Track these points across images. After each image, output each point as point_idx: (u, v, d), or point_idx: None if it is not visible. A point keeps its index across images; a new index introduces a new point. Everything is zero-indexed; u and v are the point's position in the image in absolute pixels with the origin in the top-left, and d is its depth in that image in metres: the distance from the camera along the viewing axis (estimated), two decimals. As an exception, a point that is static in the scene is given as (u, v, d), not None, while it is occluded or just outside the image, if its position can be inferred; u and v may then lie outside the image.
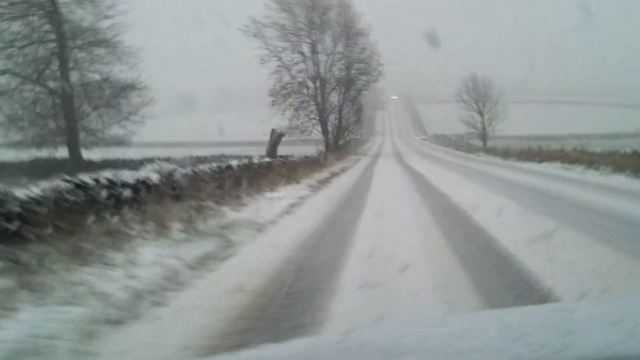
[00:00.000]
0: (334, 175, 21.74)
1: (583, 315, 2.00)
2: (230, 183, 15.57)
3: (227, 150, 47.86)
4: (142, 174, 11.10)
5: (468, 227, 8.11)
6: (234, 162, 18.66)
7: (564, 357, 1.46)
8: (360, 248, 6.72)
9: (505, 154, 32.27)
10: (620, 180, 15.17)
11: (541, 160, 24.19)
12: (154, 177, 11.40)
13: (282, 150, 40.11)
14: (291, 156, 34.69)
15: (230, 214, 10.31)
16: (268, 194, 13.50)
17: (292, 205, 11.39)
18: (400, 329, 1.93)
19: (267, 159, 24.46)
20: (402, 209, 10.59)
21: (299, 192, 14.45)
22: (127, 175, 10.23)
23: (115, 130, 33.44)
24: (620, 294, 4.11)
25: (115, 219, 8.87)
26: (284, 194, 13.74)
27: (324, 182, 18.16)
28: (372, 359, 1.57)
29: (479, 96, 51.70)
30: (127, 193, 9.91)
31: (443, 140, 73.30)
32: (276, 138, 33.38)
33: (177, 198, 11.84)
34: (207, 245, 6.80)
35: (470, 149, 45.33)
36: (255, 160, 21.44)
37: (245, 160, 21.29)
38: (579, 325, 1.83)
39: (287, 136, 45.94)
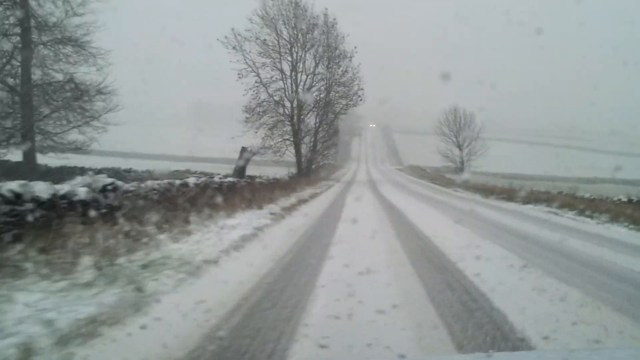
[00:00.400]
0: (302, 202, 19.96)
1: None
2: (181, 204, 13.68)
3: (199, 166, 45.82)
4: (65, 187, 9.17)
5: (464, 291, 6.29)
6: (191, 180, 16.77)
7: None
8: (318, 322, 4.86)
9: (484, 190, 30.85)
10: (622, 232, 13.70)
11: (526, 202, 22.76)
12: (81, 192, 9.47)
13: (252, 170, 38.35)
14: (259, 177, 32.98)
15: (167, 244, 8.45)
16: (222, 221, 11.63)
17: (245, 239, 9.54)
18: None
19: (231, 179, 22.61)
20: (375, 253, 8.83)
21: (258, 220, 12.61)
22: (42, 188, 8.29)
23: (75, 136, 31.13)
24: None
25: (15, 247, 6.97)
26: (240, 222, 11.88)
27: (288, 210, 16.34)
28: None
29: (459, 129, 50.61)
30: (37, 212, 7.98)
31: (418, 172, 72.18)
32: (246, 157, 31.62)
33: (111, 219, 9.92)
34: (106, 297, 4.92)
35: (447, 183, 44.00)
36: (216, 179, 19.57)
37: (204, 179, 19.43)
38: None
39: (259, 156, 44.33)
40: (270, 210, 14.92)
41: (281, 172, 40.20)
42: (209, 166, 43.96)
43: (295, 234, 11.14)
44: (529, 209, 20.29)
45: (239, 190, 20.48)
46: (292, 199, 20.36)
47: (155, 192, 13.53)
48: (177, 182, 15.31)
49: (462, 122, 50.65)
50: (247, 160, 32.07)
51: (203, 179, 19.32)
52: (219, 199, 14.78)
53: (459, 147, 51.22)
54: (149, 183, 13.48)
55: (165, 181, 15.73)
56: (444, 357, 2.94)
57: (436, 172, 71.06)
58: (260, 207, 15.75)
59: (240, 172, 30.76)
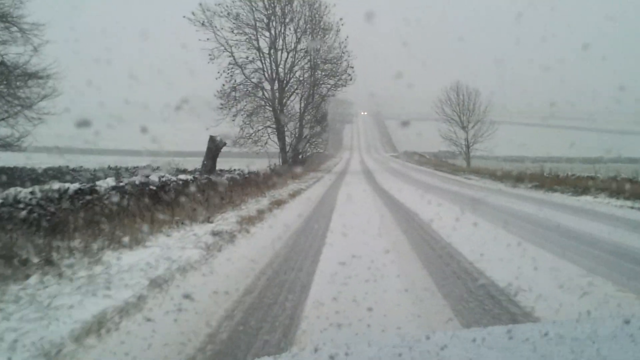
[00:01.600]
0: (276, 205, 14.60)
1: (554, 336, 2.16)
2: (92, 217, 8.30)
3: (168, 162, 40.23)
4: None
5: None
6: (105, 183, 11.30)
7: None
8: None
9: (505, 177, 25.48)
10: None
11: (580, 191, 17.34)
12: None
13: (232, 163, 32.95)
14: (231, 172, 27.55)
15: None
16: (127, 253, 6.26)
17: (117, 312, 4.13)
18: (381, 347, 2.09)
19: (185, 177, 17.10)
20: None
21: (191, 246, 7.22)
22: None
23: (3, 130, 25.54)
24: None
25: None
26: (155, 250, 6.51)
27: (252, 221, 10.98)
28: None
29: (463, 109, 45.15)
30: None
31: (416, 159, 66.89)
32: (215, 148, 26.19)
33: None
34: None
35: (455, 170, 38.66)
36: (154, 179, 14.08)
37: (141, 179, 14.00)
38: (550, 347, 2.00)
39: (238, 147, 38.86)
40: (216, 227, 9.47)
41: (265, 164, 34.84)
42: (179, 161, 38.49)
43: (240, 287, 5.73)
44: (597, 203, 14.79)
45: (193, 192, 15.14)
46: (265, 201, 14.99)
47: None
48: (71, 187, 9.82)
49: (467, 100, 45.22)
50: (216, 152, 26.65)
51: (138, 178, 13.94)
52: (155, 208, 9.47)
53: (464, 128, 45.69)
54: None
55: (76, 185, 10.30)
56: (442, 333, 2.75)
57: (435, 158, 65.82)
58: (207, 220, 10.32)
59: (208, 166, 25.34)
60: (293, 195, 18.31)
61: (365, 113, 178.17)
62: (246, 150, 38.85)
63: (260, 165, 37.24)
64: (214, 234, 8.72)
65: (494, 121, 43.37)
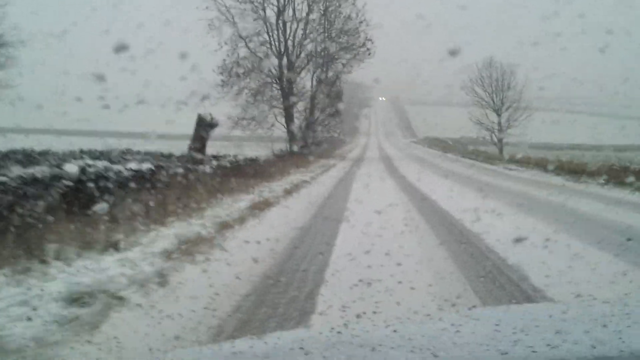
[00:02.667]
0: (259, 208, 10.10)
1: (572, 316, 2.10)
2: None
3: (156, 145, 35.76)
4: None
5: None
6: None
7: (552, 356, 1.56)
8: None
9: (560, 169, 20.67)
10: None
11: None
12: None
13: (234, 148, 28.78)
14: (224, 158, 23.20)
15: None
16: None
17: None
18: (390, 325, 2.01)
19: (139, 167, 12.64)
20: None
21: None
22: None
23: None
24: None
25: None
26: None
27: (225, 228, 6.52)
28: (361, 354, 1.64)
29: (496, 89, 39.93)
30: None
31: (439, 145, 61.99)
32: (203, 129, 21.85)
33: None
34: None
35: (488, 158, 33.79)
36: (72, 169, 9.60)
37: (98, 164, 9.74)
38: (568, 325, 1.92)
39: (241, 130, 34.45)
40: (178, 240, 4.94)
41: (274, 149, 30.53)
42: (169, 145, 34.15)
43: None
44: None
45: (165, 186, 11.03)
46: (242, 204, 10.47)
47: None
48: None
49: (500, 79, 39.93)
50: (206, 134, 22.30)
51: (97, 163, 9.75)
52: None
53: (497, 111, 40.35)
54: None
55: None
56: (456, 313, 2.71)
57: (458, 144, 60.86)
58: (113, 246, 5.82)
59: (199, 150, 20.99)
60: (289, 191, 13.78)
61: (384, 99, 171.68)
62: (249, 133, 34.43)
63: (265, 150, 32.95)
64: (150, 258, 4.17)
65: (528, 106, 38.24)
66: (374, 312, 4.15)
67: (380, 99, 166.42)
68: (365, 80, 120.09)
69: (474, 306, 4.32)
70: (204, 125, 21.87)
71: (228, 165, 19.38)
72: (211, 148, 24.31)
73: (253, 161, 22.82)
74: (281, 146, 34.16)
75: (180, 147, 28.94)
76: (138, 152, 25.67)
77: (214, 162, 18.94)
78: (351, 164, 29.44)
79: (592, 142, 73.52)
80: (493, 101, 39.31)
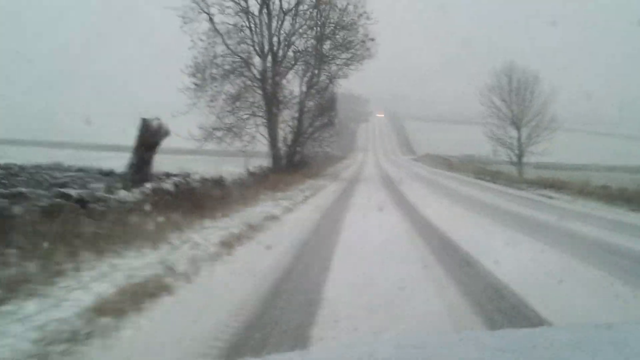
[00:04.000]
0: (153, 294, 4.44)
1: (561, 342, 2.11)
2: None
3: (102, 157, 30.04)
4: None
5: None
6: None
7: None
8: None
9: (620, 199, 15.21)
10: None
11: None
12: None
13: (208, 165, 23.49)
14: (177, 177, 17.84)
15: None
16: None
17: None
18: (377, 347, 2.08)
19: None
20: None
21: None
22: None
23: None
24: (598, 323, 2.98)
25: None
26: None
27: None
28: None
29: (517, 99, 34.12)
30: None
31: (443, 163, 56.63)
32: (148, 139, 16.48)
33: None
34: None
35: (510, 180, 28.34)
36: None
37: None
38: (556, 352, 1.98)
39: (218, 143, 29.03)
40: None
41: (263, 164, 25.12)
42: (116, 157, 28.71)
43: None
44: None
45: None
46: (121, 273, 4.83)
47: None
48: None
49: (523, 88, 33.94)
50: (152, 145, 16.88)
51: None
52: None
53: (516, 124, 34.45)
54: None
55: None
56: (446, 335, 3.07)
57: (464, 163, 55.49)
58: None
59: (141, 168, 15.54)
60: (237, 239, 8.22)
61: (382, 115, 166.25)
62: (228, 146, 28.99)
63: (250, 166, 27.69)
64: None
65: (554, 119, 32.56)
66: None
67: (378, 115, 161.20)
68: (363, 93, 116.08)
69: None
70: (149, 134, 16.44)
71: (171, 189, 13.89)
72: (194, 164, 19.28)
73: (217, 183, 17.31)
74: (263, 162, 28.75)
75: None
76: (69, 168, 20.16)
77: (149, 185, 13.42)
78: (345, 186, 23.92)
79: (609, 163, 68.69)
80: (512, 113, 33.78)
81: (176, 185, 15.08)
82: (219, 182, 17.37)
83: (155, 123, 16.85)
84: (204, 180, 17.01)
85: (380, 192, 20.94)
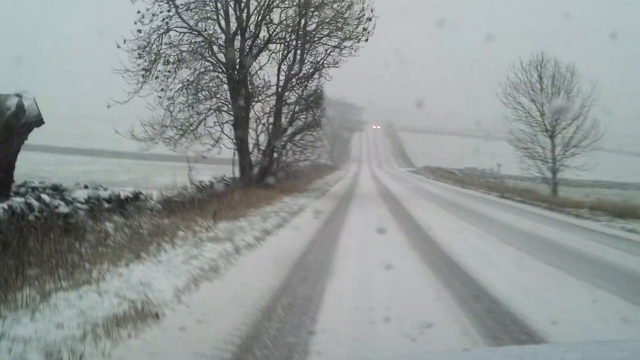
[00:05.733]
0: None
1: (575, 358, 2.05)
2: None
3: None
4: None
5: None
6: None
7: None
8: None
9: None
10: None
11: None
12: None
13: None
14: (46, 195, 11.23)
15: None
16: None
17: None
18: None
19: None
20: None
21: None
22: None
23: None
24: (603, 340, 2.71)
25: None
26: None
27: None
28: None
29: (554, 98, 27.01)
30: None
31: (447, 176, 50.19)
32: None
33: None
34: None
35: (546, 201, 21.70)
36: None
37: None
38: None
39: (166, 144, 22.40)
40: None
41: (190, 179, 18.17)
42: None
43: None
44: None
45: None
46: None
47: None
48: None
49: (559, 83, 26.91)
50: (6, 138, 10.36)
51: None
52: None
53: (550, 133, 27.05)
54: None
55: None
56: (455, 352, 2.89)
57: (472, 177, 49.03)
58: None
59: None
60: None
61: (379, 127, 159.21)
62: (187, 150, 22.28)
63: (210, 176, 21.45)
64: None
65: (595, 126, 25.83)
66: None
67: (374, 127, 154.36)
68: (356, 101, 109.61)
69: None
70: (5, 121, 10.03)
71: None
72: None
73: (121, 205, 10.62)
74: (234, 171, 22.15)
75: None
76: None
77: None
78: (333, 207, 17.12)
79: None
80: (544, 117, 26.89)
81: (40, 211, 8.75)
82: (125, 203, 10.63)
83: (12, 102, 10.43)
84: (101, 201, 10.32)
85: (383, 218, 14.25)
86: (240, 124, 21.69)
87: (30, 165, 36.48)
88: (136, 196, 11.13)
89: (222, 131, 22.04)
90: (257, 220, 11.46)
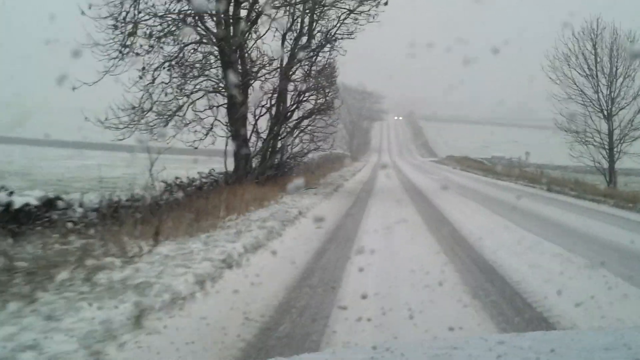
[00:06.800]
0: None
1: (578, 345, 2.11)
2: None
3: None
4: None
5: None
6: None
7: None
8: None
9: None
10: None
11: None
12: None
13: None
14: None
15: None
16: None
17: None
18: (383, 351, 2.08)
19: None
20: None
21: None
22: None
23: None
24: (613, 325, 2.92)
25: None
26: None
27: None
28: None
29: (607, 72, 22.64)
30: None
31: (475, 166, 46.14)
32: None
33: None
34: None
35: (614, 196, 17.68)
36: None
37: None
38: (574, 355, 1.97)
39: (149, 133, 18.79)
40: None
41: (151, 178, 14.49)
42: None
43: None
44: None
45: None
46: None
47: None
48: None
49: (615, 54, 22.56)
50: None
51: None
52: None
53: (606, 112, 22.87)
54: None
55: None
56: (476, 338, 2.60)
57: (504, 167, 44.80)
58: None
59: None
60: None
61: (401, 118, 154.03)
62: (176, 139, 18.67)
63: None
64: None
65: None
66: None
67: (395, 118, 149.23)
68: (376, 88, 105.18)
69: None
70: None
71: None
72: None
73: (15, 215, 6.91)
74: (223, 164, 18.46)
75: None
76: None
77: None
78: (344, 210, 13.27)
79: None
80: (598, 94, 22.60)
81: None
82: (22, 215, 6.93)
83: None
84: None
85: (415, 232, 10.35)
86: (236, 107, 17.97)
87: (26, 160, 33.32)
88: (49, 204, 7.47)
89: (216, 117, 18.38)
90: (226, 236, 7.71)
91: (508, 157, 67.68)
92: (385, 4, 18.88)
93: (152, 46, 17.70)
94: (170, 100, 17.55)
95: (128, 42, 17.33)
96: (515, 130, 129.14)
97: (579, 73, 22.93)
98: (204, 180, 15.57)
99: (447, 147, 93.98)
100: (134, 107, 17.27)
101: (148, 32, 17.55)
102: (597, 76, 22.70)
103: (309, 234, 9.09)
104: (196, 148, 18.84)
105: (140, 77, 17.45)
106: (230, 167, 18.27)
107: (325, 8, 18.86)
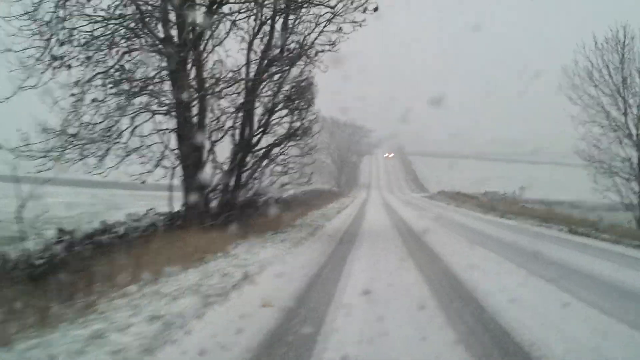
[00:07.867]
0: None
1: None
2: None
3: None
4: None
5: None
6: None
7: None
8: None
9: None
10: None
11: None
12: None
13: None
14: None
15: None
16: None
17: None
18: None
19: None
20: None
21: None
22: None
23: None
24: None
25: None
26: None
27: None
28: None
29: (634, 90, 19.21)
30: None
31: (471, 201, 42.74)
32: None
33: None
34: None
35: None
36: None
37: None
38: None
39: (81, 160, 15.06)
40: None
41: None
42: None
43: None
44: None
45: None
46: None
47: None
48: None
49: None
50: None
51: None
52: None
53: (636, 138, 19.30)
54: None
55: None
56: None
57: (502, 202, 41.31)
58: None
59: None
60: None
61: (391, 155, 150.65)
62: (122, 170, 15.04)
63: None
64: None
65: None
66: None
67: (386, 155, 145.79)
68: (366, 123, 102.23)
69: None
70: None
71: None
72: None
73: None
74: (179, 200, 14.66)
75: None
76: None
77: None
78: (315, 269, 9.41)
79: None
80: (625, 116, 19.00)
81: None
82: None
83: None
84: None
85: (420, 316, 6.54)
86: (187, 130, 14.28)
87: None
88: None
89: (166, 144, 14.73)
90: (71, 343, 3.94)
91: (502, 193, 64.84)
92: (375, 9, 15.52)
93: (89, 56, 14.27)
94: (101, 122, 13.93)
95: (57, 51, 13.96)
96: (509, 165, 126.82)
97: (602, 91, 19.54)
98: (134, 224, 11.73)
99: (438, 183, 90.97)
100: (55, 131, 13.70)
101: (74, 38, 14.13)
102: (623, 89, 19.23)
103: (243, 323, 5.28)
104: (143, 182, 15.20)
105: (74, 94, 14.03)
106: (180, 205, 14.54)
107: (301, 13, 15.38)
